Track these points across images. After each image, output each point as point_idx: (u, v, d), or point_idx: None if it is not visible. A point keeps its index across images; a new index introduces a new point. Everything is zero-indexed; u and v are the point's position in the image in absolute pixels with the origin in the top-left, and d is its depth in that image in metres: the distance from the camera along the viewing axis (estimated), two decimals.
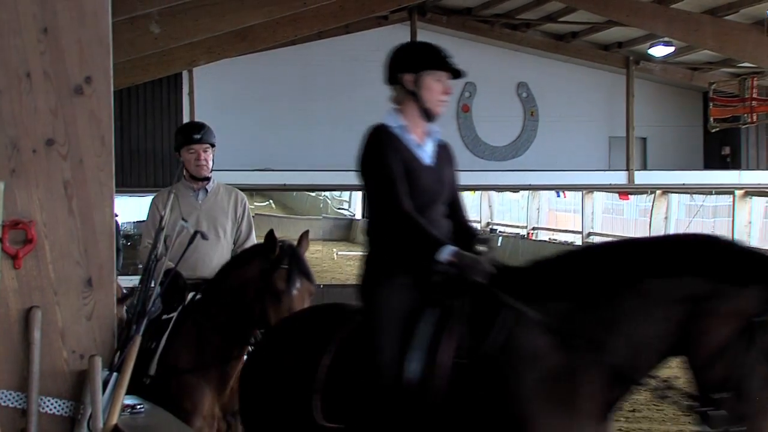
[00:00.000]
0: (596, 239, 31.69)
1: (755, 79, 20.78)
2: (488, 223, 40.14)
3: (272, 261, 6.20)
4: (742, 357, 3.77)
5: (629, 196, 29.50)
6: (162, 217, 5.03)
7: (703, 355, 3.89)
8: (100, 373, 3.66)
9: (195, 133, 7.46)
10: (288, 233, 39.54)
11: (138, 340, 3.82)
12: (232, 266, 6.57)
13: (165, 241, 4.39)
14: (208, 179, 7.43)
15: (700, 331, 3.90)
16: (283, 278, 6.13)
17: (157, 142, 22.23)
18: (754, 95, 20.71)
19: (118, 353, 3.75)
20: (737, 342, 3.80)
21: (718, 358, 3.83)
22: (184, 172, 7.50)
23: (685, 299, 3.95)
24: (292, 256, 6.25)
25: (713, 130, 22.42)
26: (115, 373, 3.71)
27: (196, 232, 4.60)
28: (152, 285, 4.11)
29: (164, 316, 6.55)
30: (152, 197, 7.47)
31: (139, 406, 3.92)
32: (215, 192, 7.44)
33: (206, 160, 7.39)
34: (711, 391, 3.90)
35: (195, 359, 6.36)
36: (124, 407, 3.78)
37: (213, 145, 7.51)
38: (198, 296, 6.67)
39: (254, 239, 7.41)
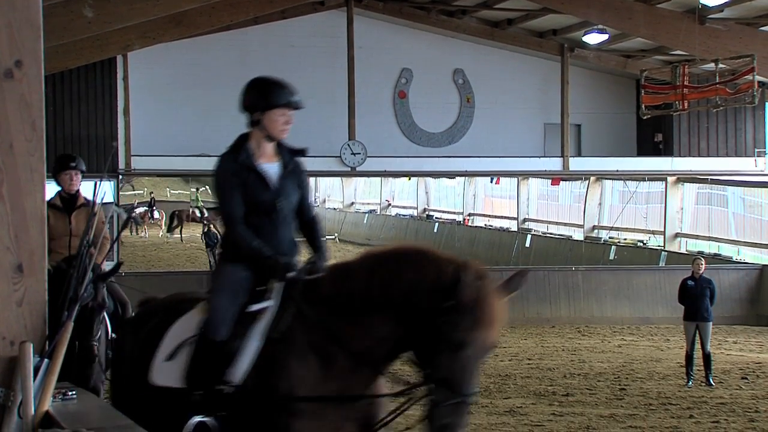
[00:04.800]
0: (531, 225, 31.97)
1: (687, 66, 21.03)
2: (425, 210, 40.29)
3: None
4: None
5: (561, 181, 29.75)
6: (95, 203, 4.98)
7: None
8: (31, 360, 3.62)
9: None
10: None
11: (70, 326, 3.79)
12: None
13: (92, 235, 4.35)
14: None
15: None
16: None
17: (91, 127, 21.99)
18: (686, 83, 20.95)
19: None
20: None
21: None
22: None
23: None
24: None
25: (645, 117, 22.68)
26: (46, 360, 3.68)
27: (128, 218, 4.44)
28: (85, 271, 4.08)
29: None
30: None
31: (70, 393, 3.89)
32: None
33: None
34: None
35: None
36: (56, 394, 3.76)
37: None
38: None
39: None
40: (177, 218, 39.71)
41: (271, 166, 5.49)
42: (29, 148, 3.78)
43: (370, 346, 5.02)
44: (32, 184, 3.80)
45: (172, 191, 50.48)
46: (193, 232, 41.45)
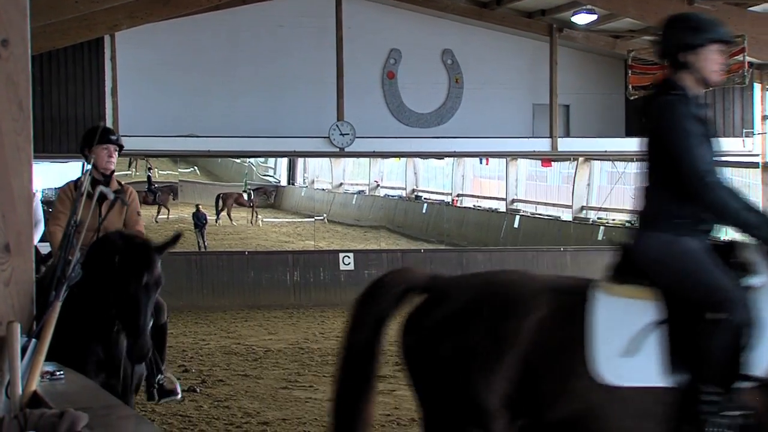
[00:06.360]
0: (520, 205, 32.01)
1: None
2: (413, 190, 40.29)
3: None
4: None
5: (552, 162, 29.78)
6: (82, 183, 4.96)
7: None
8: (18, 340, 3.62)
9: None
10: (212, 200, 38.72)
11: (57, 306, 3.78)
12: None
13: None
14: None
15: None
16: None
17: (78, 108, 21.91)
18: None
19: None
20: None
21: None
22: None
23: None
24: None
25: (632, 98, 22.67)
26: (33, 340, 3.68)
27: (116, 198, 4.42)
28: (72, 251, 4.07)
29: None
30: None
31: (58, 373, 3.89)
32: None
33: None
34: None
35: None
36: (43, 374, 3.76)
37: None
38: None
39: None
40: (223, 201, 39.31)
41: None
42: (16, 127, 3.77)
43: None
44: (19, 164, 3.79)
45: (160, 171, 50.35)
46: (188, 210, 41.35)
